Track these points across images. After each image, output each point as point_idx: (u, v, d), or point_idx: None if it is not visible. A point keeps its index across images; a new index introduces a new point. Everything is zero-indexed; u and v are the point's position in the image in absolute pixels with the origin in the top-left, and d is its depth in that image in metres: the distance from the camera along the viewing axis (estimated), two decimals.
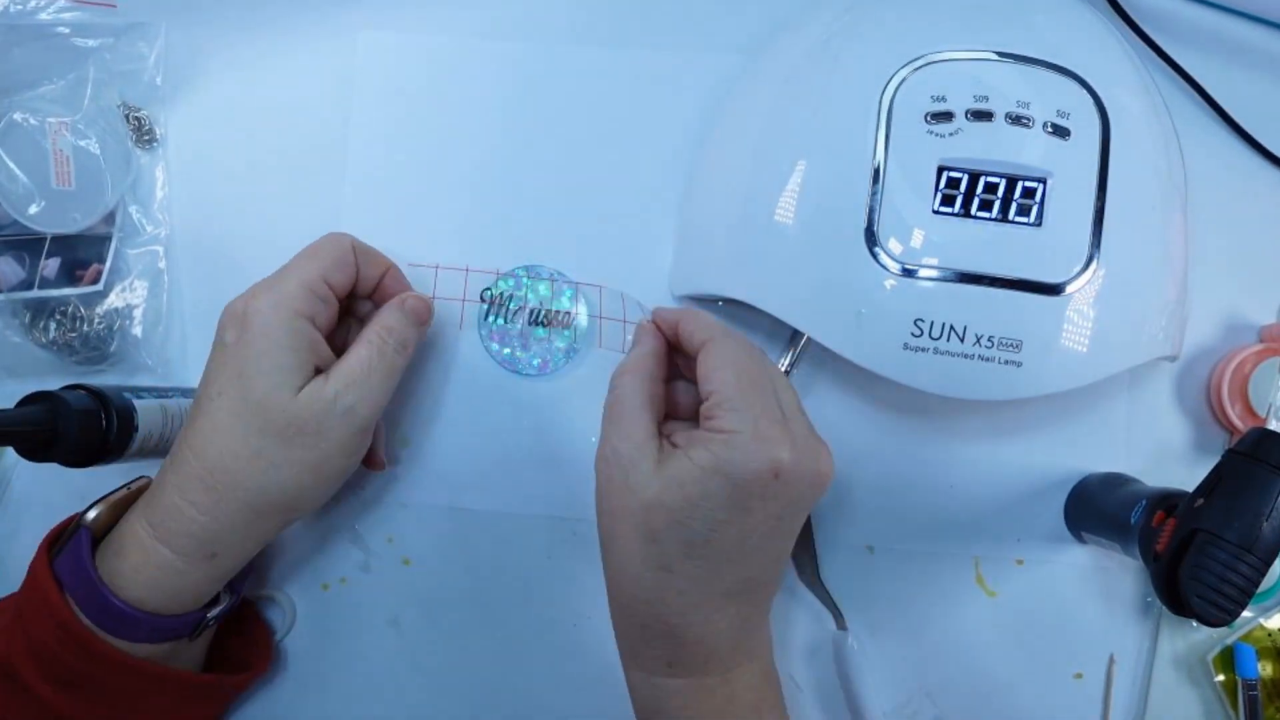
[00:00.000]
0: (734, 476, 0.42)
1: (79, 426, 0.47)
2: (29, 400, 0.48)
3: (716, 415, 0.43)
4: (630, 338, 0.51)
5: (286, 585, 0.59)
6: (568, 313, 0.58)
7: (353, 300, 0.54)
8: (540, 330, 0.59)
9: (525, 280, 0.59)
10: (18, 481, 0.60)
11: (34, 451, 0.47)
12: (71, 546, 0.47)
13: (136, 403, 0.51)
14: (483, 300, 0.58)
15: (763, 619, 0.48)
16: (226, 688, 0.52)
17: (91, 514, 0.48)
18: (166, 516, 0.46)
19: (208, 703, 0.52)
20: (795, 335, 0.56)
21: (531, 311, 0.58)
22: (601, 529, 0.46)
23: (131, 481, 0.50)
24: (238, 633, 0.55)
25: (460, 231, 0.60)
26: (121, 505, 0.49)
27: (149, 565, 0.46)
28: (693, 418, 0.48)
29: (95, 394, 0.49)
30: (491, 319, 0.59)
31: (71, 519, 0.49)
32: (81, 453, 0.48)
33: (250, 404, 0.46)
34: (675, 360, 0.51)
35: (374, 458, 0.54)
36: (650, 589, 0.44)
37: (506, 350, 0.59)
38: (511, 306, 0.59)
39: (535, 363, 0.59)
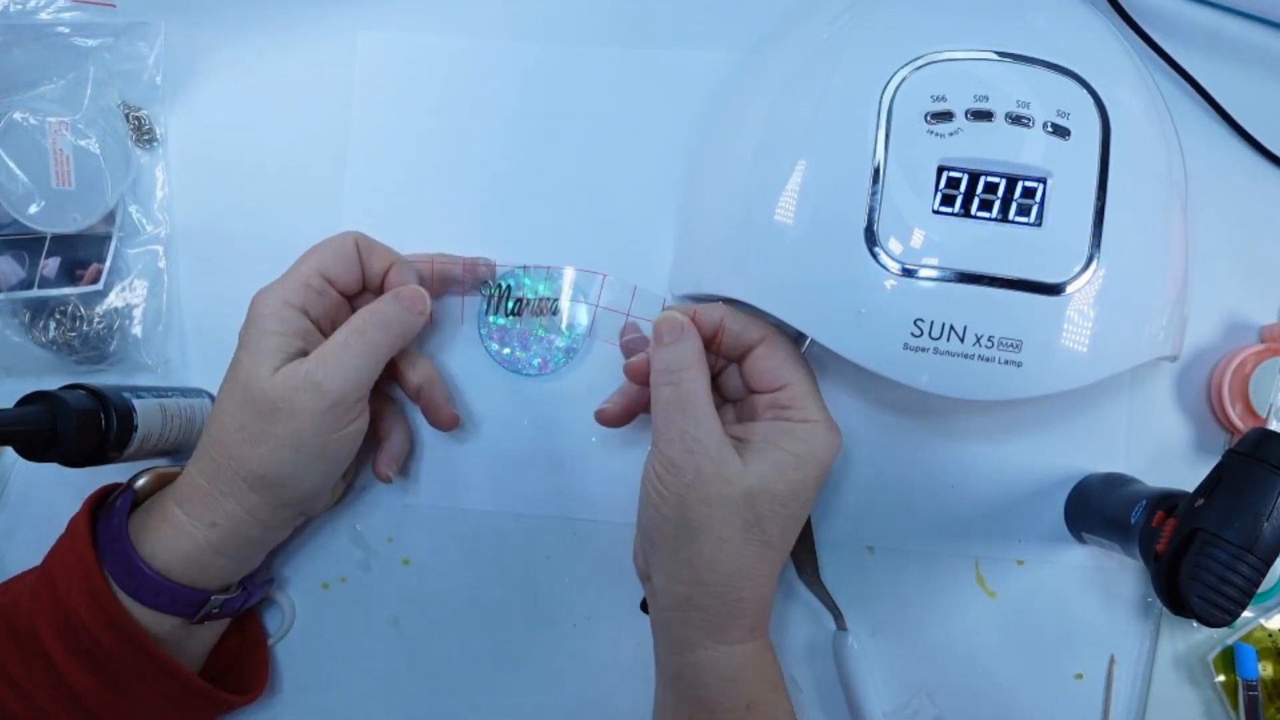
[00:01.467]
0: (823, 461, 0.49)
1: (78, 426, 0.47)
2: (29, 400, 0.48)
3: (796, 405, 0.49)
4: (652, 331, 0.51)
5: (287, 584, 0.59)
6: (553, 299, 0.58)
7: (361, 297, 0.55)
8: (540, 329, 0.59)
9: (525, 280, 0.59)
10: (17, 480, 0.60)
11: (33, 451, 0.47)
12: (115, 504, 0.51)
13: (136, 403, 0.51)
14: (481, 295, 0.58)
15: None
16: (218, 699, 0.52)
17: (142, 480, 0.52)
18: (184, 485, 0.50)
19: (199, 706, 0.52)
20: (799, 337, 0.56)
21: (529, 303, 0.58)
22: (691, 517, 0.47)
23: (174, 450, 0.55)
24: (237, 661, 0.56)
25: (460, 230, 0.60)
26: (166, 478, 0.53)
27: (165, 524, 0.50)
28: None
29: (95, 394, 0.49)
30: (491, 317, 0.59)
31: (105, 489, 0.52)
32: (81, 453, 0.48)
33: (238, 383, 0.49)
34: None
35: (438, 415, 0.56)
36: (752, 565, 0.48)
37: (506, 350, 0.59)
38: (509, 305, 0.59)
39: (535, 362, 0.59)
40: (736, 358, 0.52)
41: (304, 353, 0.50)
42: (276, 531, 0.53)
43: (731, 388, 0.54)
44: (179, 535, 0.49)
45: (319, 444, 0.50)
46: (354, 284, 0.54)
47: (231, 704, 0.54)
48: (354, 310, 0.53)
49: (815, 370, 0.51)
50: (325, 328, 0.52)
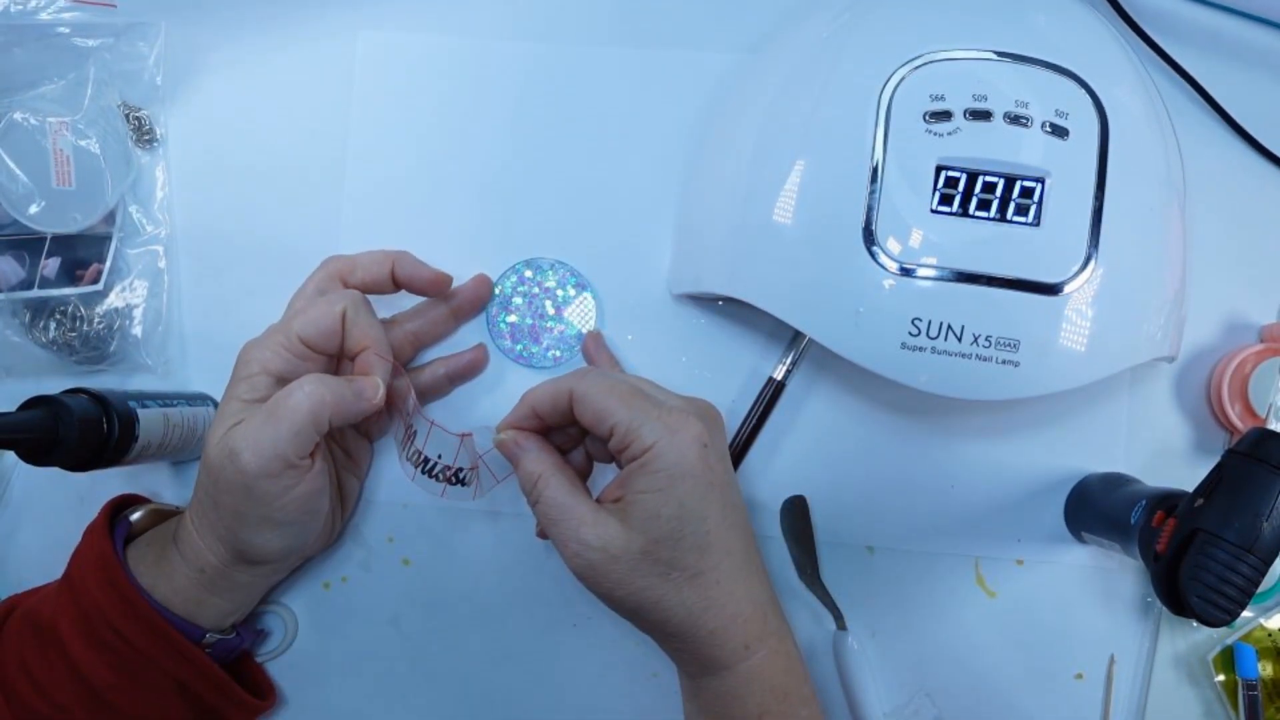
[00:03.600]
0: (684, 471, 0.45)
1: (80, 432, 0.47)
2: (31, 404, 0.48)
3: (630, 440, 0.46)
4: (490, 468, 0.52)
5: (287, 584, 0.59)
6: (576, 303, 0.59)
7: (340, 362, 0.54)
8: (550, 320, 0.59)
9: (528, 276, 0.59)
10: (18, 482, 0.60)
11: (35, 455, 0.47)
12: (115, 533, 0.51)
13: (140, 411, 0.51)
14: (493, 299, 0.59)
15: (764, 568, 0.51)
16: (236, 695, 0.52)
17: (136, 515, 0.53)
18: (181, 523, 0.51)
19: (212, 695, 0.52)
20: (797, 336, 0.56)
21: (539, 301, 0.59)
22: (617, 602, 0.47)
23: (175, 455, 0.55)
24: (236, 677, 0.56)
25: (459, 230, 0.60)
26: (162, 515, 0.54)
27: (164, 559, 0.51)
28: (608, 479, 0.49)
29: (97, 399, 0.49)
30: (501, 319, 0.59)
31: (125, 498, 0.54)
32: (82, 457, 0.48)
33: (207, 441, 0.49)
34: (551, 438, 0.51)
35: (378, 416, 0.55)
36: (695, 600, 0.46)
37: (519, 346, 0.59)
38: (519, 303, 0.59)
39: (551, 355, 0.59)
40: (572, 421, 0.49)
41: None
42: (265, 580, 0.54)
43: (600, 452, 0.53)
44: (175, 572, 0.50)
45: (260, 514, 0.48)
46: (335, 350, 0.52)
47: (247, 704, 0.54)
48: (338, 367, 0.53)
49: (816, 371, 0.51)
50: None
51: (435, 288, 0.56)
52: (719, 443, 0.48)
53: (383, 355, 0.51)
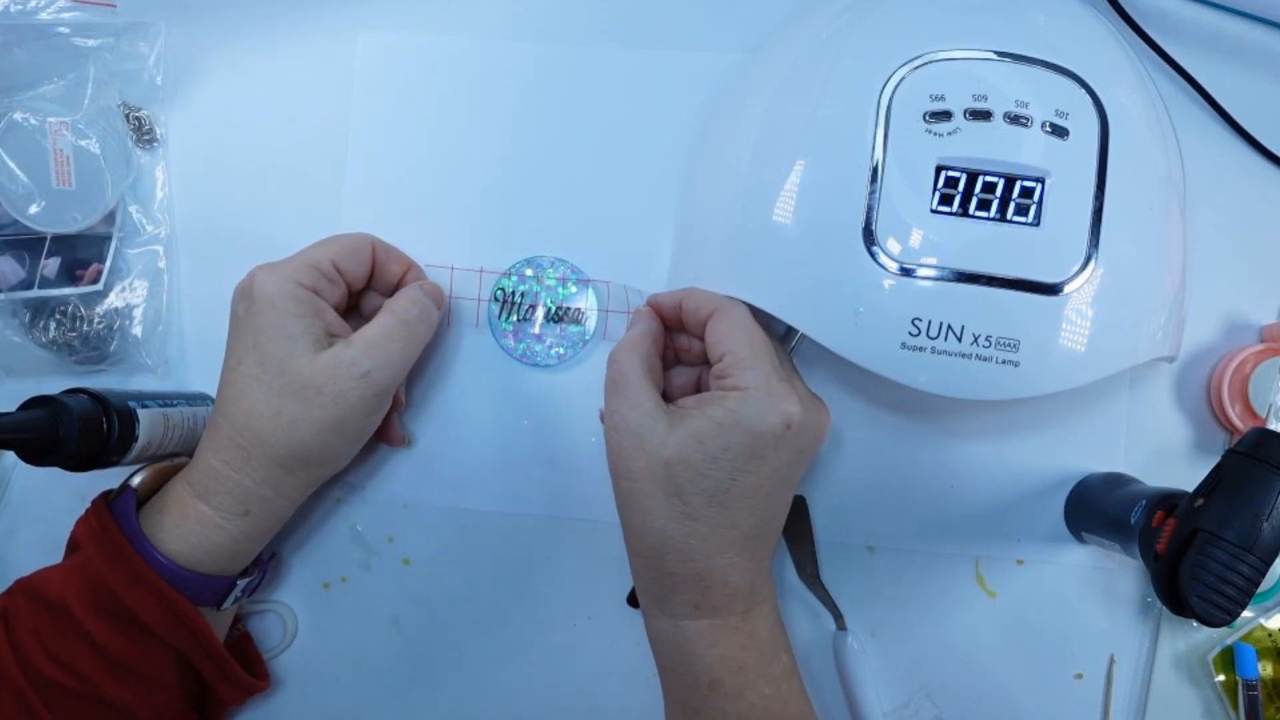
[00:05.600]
0: (751, 429, 0.46)
1: (80, 431, 0.47)
2: (31, 404, 0.48)
3: (731, 374, 0.47)
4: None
5: (287, 584, 0.59)
6: (579, 309, 0.59)
7: (365, 296, 0.56)
8: (553, 322, 0.59)
9: (530, 275, 0.59)
10: (18, 482, 0.60)
11: (35, 455, 0.47)
12: (117, 505, 0.50)
13: (140, 411, 0.51)
14: (495, 300, 0.59)
15: (770, 562, 0.51)
16: (232, 671, 0.52)
17: (137, 479, 0.51)
18: (204, 476, 0.50)
19: (212, 670, 0.52)
20: (789, 333, 0.56)
21: (544, 308, 0.59)
22: (620, 491, 0.48)
23: (174, 456, 0.54)
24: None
25: (459, 230, 0.60)
26: (165, 473, 0.53)
27: (189, 520, 0.50)
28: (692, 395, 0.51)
29: (97, 399, 0.49)
30: (504, 318, 0.59)
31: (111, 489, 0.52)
32: (82, 457, 0.48)
33: (268, 368, 0.49)
34: (671, 345, 0.54)
35: (391, 433, 0.58)
36: (677, 537, 0.47)
37: (522, 345, 0.59)
38: (523, 301, 0.59)
39: (554, 352, 0.59)
40: (701, 334, 0.51)
41: (328, 335, 0.51)
42: (299, 503, 0.54)
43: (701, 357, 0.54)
44: (207, 528, 0.50)
45: (360, 426, 0.52)
46: (361, 282, 0.54)
47: (242, 681, 0.53)
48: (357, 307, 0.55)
49: (809, 369, 0.51)
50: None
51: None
52: (803, 443, 0.47)
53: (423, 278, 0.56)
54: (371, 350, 0.50)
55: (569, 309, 0.59)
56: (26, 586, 0.49)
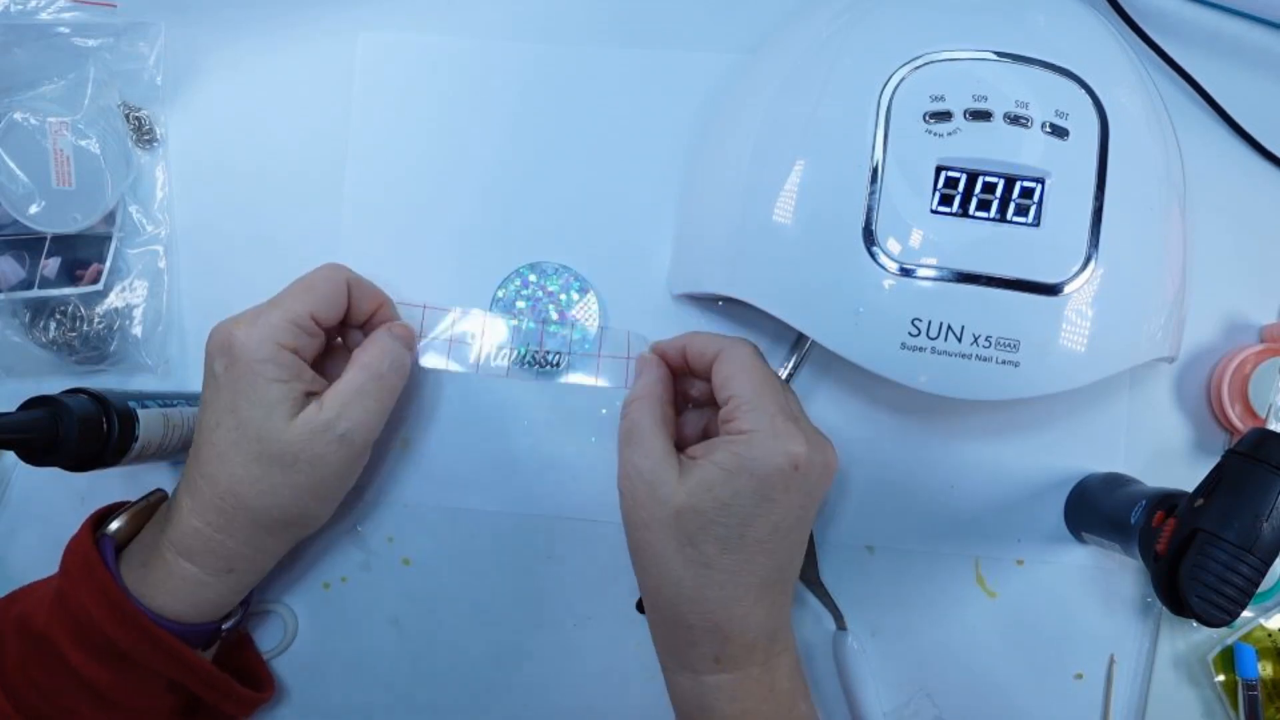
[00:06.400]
0: (758, 473, 0.45)
1: (80, 431, 0.47)
2: (31, 404, 0.48)
3: (736, 417, 0.47)
4: (632, 371, 0.54)
5: (287, 584, 0.59)
6: (578, 316, 0.59)
7: (344, 330, 0.55)
8: (554, 325, 0.59)
9: (532, 280, 0.59)
10: (18, 482, 0.60)
11: (35, 456, 0.47)
12: (99, 556, 0.49)
13: (140, 411, 0.51)
14: (495, 301, 0.59)
15: (789, 607, 0.50)
16: (234, 693, 0.52)
17: (114, 525, 0.51)
18: (187, 536, 0.49)
19: (216, 697, 0.52)
20: (800, 339, 0.56)
21: (545, 310, 0.59)
22: (634, 542, 0.48)
23: (150, 494, 0.53)
24: (235, 672, 0.56)
25: (458, 231, 0.60)
26: (141, 516, 0.52)
27: (173, 578, 0.49)
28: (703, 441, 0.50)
29: (97, 399, 0.49)
30: (505, 323, 0.59)
31: (105, 509, 0.52)
32: (82, 458, 0.48)
33: (247, 434, 0.48)
34: (680, 389, 0.54)
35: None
36: (692, 588, 0.46)
37: (522, 349, 0.59)
38: (523, 307, 0.59)
39: (553, 358, 0.59)
40: (708, 376, 0.51)
41: (306, 395, 0.50)
42: (281, 555, 0.54)
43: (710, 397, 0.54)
44: (191, 585, 0.49)
45: (339, 486, 0.52)
46: (335, 324, 0.53)
47: (244, 698, 0.53)
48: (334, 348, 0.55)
49: (817, 373, 0.51)
50: (315, 366, 0.52)
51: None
52: (812, 483, 0.47)
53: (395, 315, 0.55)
54: (347, 410, 0.49)
55: (567, 317, 0.59)
56: (17, 615, 0.49)
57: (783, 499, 0.46)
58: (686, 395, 0.54)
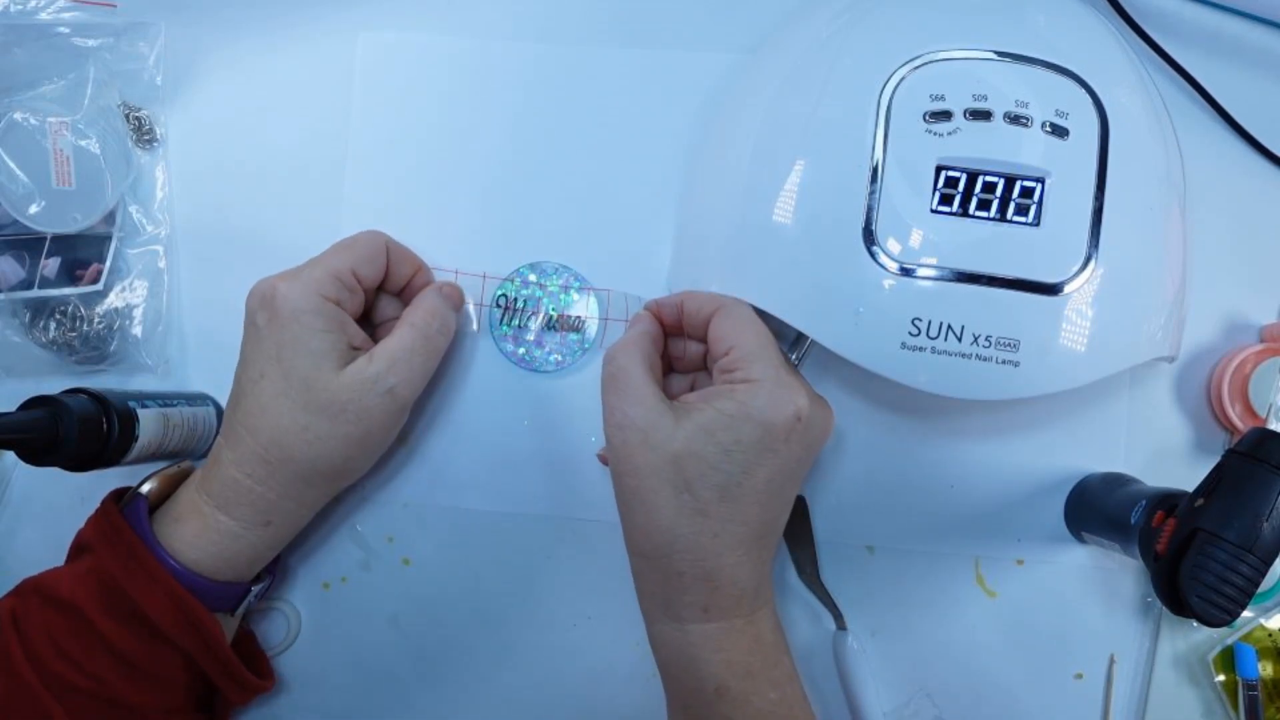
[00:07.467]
0: (763, 421, 0.45)
1: (80, 431, 0.47)
2: (31, 404, 0.48)
3: (739, 367, 0.47)
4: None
5: (287, 584, 0.59)
6: (579, 317, 0.59)
7: (377, 296, 0.56)
8: (554, 325, 0.59)
9: (532, 279, 0.59)
10: (18, 482, 0.60)
11: (35, 456, 0.47)
12: (129, 511, 0.50)
13: (140, 411, 0.51)
14: (496, 305, 0.59)
15: (771, 564, 0.50)
16: (239, 674, 0.52)
17: (148, 486, 0.51)
18: (225, 488, 0.50)
19: (219, 672, 0.52)
20: (800, 338, 0.56)
21: (545, 315, 0.59)
22: (623, 489, 0.48)
23: (177, 461, 0.54)
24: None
25: (458, 231, 0.60)
26: (174, 480, 0.53)
27: (209, 530, 0.50)
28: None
29: (97, 399, 0.49)
30: (504, 324, 0.59)
31: (122, 490, 0.52)
32: (82, 458, 0.48)
33: (293, 383, 0.49)
34: (666, 352, 0.53)
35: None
36: (686, 535, 0.46)
37: (522, 350, 0.59)
38: (524, 308, 0.59)
39: (553, 359, 0.59)
40: (702, 335, 0.51)
41: (350, 348, 0.51)
42: (318, 509, 0.55)
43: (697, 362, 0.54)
44: (227, 538, 0.50)
45: (383, 439, 0.53)
46: (376, 284, 0.54)
47: (248, 683, 0.53)
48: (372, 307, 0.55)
49: (819, 373, 0.51)
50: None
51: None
52: (812, 436, 0.47)
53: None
54: (394, 365, 0.50)
55: (569, 316, 0.59)
56: (36, 587, 0.49)
57: (783, 449, 0.46)
58: (673, 358, 0.54)
